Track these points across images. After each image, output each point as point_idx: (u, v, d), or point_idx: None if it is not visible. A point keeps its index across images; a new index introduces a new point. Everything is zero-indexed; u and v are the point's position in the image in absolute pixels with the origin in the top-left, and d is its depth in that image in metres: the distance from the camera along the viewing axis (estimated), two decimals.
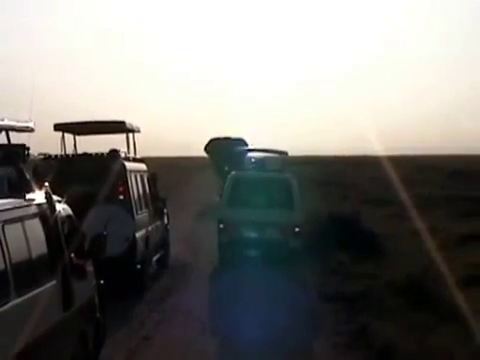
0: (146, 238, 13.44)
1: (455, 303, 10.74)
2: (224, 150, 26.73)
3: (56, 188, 12.32)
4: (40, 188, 7.11)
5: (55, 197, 7.67)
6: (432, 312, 10.67)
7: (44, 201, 6.95)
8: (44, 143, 14.00)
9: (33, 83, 7.81)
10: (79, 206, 11.74)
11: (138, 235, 12.70)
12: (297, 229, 15.40)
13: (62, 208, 7.68)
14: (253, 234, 15.40)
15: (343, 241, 16.48)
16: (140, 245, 12.80)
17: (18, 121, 6.82)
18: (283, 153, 17.90)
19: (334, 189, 34.52)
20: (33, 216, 6.58)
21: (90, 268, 8.25)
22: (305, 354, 9.76)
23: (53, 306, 6.61)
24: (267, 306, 11.91)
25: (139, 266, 12.64)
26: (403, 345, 9.08)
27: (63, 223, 7.57)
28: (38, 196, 6.93)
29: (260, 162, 17.97)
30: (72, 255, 7.38)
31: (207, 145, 30.86)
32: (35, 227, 6.60)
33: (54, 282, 6.68)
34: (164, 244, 15.73)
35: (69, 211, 7.94)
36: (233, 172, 16.61)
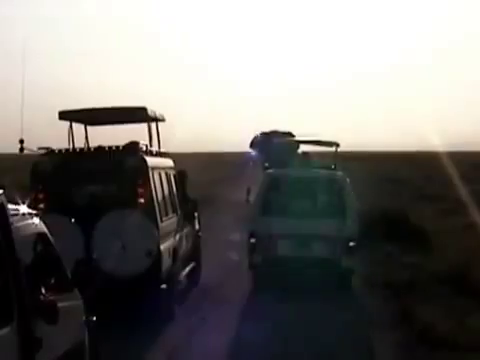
0: (173, 250, 12.02)
1: None
2: (272, 146, 25.61)
3: (60, 190, 11.10)
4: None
5: (25, 209, 6.23)
6: (475, 299, 12.14)
7: None
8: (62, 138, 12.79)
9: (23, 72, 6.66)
10: (88, 213, 10.57)
11: (163, 247, 11.23)
12: (351, 244, 13.21)
13: (32, 224, 6.23)
14: (294, 251, 13.28)
15: (393, 234, 17.96)
16: (166, 259, 11.39)
17: None
18: (333, 144, 15.25)
19: (388, 185, 36.05)
20: None
21: (76, 302, 6.83)
22: (350, 332, 11.02)
23: None
24: (312, 293, 12.80)
25: (164, 285, 11.15)
26: (443, 326, 10.52)
27: (35, 244, 6.16)
28: None
29: (306, 157, 15.86)
30: (42, 289, 5.91)
31: (253, 140, 30.31)
32: None
33: (7, 329, 5.23)
34: (195, 255, 14.23)
35: (43, 228, 6.50)
36: (268, 170, 14.60)
